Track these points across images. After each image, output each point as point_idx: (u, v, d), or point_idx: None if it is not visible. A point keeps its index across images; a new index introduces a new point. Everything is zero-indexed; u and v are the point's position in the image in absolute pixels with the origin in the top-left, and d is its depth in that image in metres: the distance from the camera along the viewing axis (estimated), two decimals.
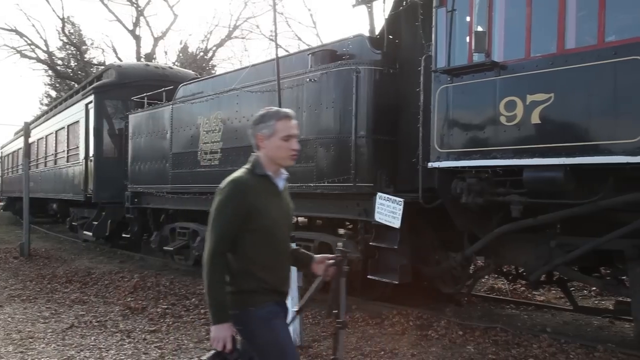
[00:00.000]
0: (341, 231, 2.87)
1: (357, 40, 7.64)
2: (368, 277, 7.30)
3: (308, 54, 8.07)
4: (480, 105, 5.88)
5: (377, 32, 8.09)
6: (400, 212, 6.61)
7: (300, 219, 9.37)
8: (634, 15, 4.82)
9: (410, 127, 6.96)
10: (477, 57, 5.88)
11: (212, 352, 2.62)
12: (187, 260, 10.86)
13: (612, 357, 5.27)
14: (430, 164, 6.33)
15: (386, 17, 7.60)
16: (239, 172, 2.73)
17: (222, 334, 2.58)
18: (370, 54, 7.36)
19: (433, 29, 6.33)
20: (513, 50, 5.65)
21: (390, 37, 7.55)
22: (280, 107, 6.10)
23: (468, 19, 6.01)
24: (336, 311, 2.94)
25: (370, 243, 7.19)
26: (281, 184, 2.79)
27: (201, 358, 2.88)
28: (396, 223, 6.65)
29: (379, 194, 6.88)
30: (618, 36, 5.00)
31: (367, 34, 7.94)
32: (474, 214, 6.37)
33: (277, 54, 6.24)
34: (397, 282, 6.96)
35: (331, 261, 2.88)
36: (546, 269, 6.06)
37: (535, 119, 5.40)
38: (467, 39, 5.98)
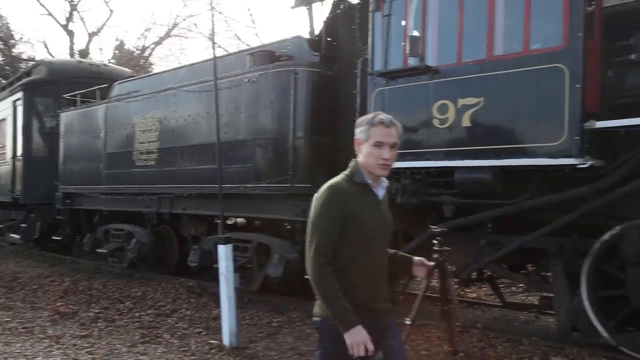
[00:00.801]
0: (435, 229, 2.82)
1: (295, 41, 7.69)
2: (305, 277, 7.32)
3: (246, 55, 8.05)
4: (415, 108, 6.04)
5: (317, 33, 8.16)
6: None
7: (239, 219, 9.33)
8: (556, 25, 5.07)
9: (347, 129, 7.04)
10: (411, 61, 6.03)
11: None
12: (122, 262, 10.59)
13: (536, 350, 5.52)
14: None
15: (324, 19, 7.68)
16: (337, 178, 2.58)
17: (357, 338, 2.40)
18: (308, 56, 7.43)
19: (369, 33, 6.45)
20: (446, 55, 5.83)
21: (329, 39, 7.63)
22: (217, 107, 6.12)
23: (403, 23, 6.15)
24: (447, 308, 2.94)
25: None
26: (381, 193, 2.61)
27: None
28: None
29: (316, 195, 6.93)
30: (542, 44, 5.25)
31: (307, 35, 8.03)
32: (409, 214, 6.53)
33: (214, 54, 6.20)
34: None
35: (431, 263, 2.74)
36: (476, 266, 6.28)
37: (466, 122, 5.60)
38: (402, 43, 6.12)
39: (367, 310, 2.50)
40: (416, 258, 2.80)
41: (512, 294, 8.72)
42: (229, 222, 9.33)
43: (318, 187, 7.64)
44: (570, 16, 4.97)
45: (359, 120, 2.60)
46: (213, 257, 6.38)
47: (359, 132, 2.56)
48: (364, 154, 2.55)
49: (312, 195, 7.07)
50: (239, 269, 7.58)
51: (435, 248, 2.81)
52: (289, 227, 8.00)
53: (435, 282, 2.85)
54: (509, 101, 5.35)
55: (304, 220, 7.29)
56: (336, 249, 2.49)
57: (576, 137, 4.95)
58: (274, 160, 7.42)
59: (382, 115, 2.56)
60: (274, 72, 7.39)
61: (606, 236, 5.25)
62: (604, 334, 5.19)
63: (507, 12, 5.42)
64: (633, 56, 5.03)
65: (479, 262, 6.18)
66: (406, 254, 2.87)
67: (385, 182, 2.64)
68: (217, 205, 6.22)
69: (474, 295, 8.72)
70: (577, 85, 4.94)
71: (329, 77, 7.38)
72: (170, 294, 8.34)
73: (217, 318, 6.27)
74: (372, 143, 2.51)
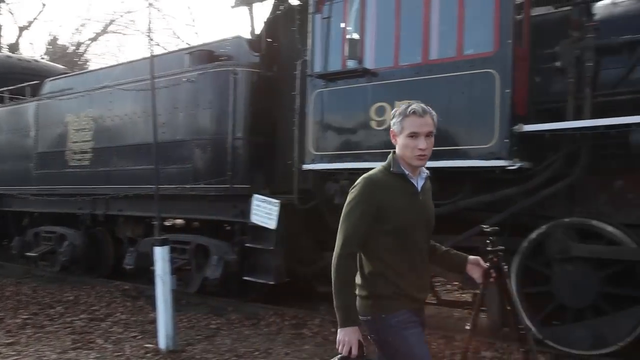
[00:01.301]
0: (486, 228, 2.76)
1: (235, 41, 7.65)
2: (244, 278, 7.32)
3: (185, 54, 7.94)
4: (353, 110, 6.12)
5: (257, 34, 8.13)
6: (277, 213, 6.71)
7: (178, 221, 9.18)
8: (487, 31, 5.26)
9: (287, 130, 7.07)
10: (350, 64, 6.11)
11: (338, 356, 2.45)
12: (53, 266, 10.19)
13: (468, 345, 5.68)
14: (305, 166, 6.49)
15: (265, 20, 7.67)
16: (374, 170, 2.58)
17: (347, 337, 2.43)
18: (248, 56, 7.40)
19: (309, 34, 6.49)
20: (383, 59, 5.94)
21: (269, 40, 7.63)
22: (154, 106, 6.00)
23: (342, 26, 6.22)
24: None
25: (247, 244, 7.21)
26: (420, 183, 2.59)
27: None
28: (272, 224, 6.73)
29: (255, 195, 6.94)
30: (475, 50, 5.44)
31: (247, 35, 7.97)
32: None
33: (151, 52, 6.07)
34: (273, 283, 7.04)
35: (487, 264, 2.69)
36: None
37: None
38: (341, 45, 6.19)
39: (410, 298, 2.55)
40: (471, 257, 2.75)
41: (447, 291, 8.95)
42: (167, 223, 9.17)
43: (257, 188, 7.71)
44: (501, 24, 5.16)
45: (393, 111, 2.58)
46: (150, 260, 6.25)
47: (394, 124, 2.55)
48: (400, 145, 2.54)
49: (251, 196, 7.10)
50: (177, 270, 7.47)
51: (489, 248, 2.68)
52: (228, 228, 7.93)
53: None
54: (444, 104, 5.48)
55: (243, 221, 7.27)
56: (374, 240, 2.51)
57: (506, 140, 5.14)
58: (213, 160, 7.35)
59: (415, 105, 2.53)
60: (213, 72, 7.32)
61: (533, 235, 5.48)
62: (531, 328, 5.41)
63: (441, 18, 5.57)
64: (558, 63, 5.28)
65: None
66: (460, 252, 2.80)
67: (425, 173, 2.63)
68: (154, 206, 6.10)
69: None
70: (507, 90, 5.13)
71: (268, 77, 7.39)
72: (104, 297, 8.11)
73: (154, 321, 6.15)
74: (406, 134, 2.50)
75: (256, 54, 7.40)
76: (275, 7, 7.47)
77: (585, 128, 4.90)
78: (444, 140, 5.50)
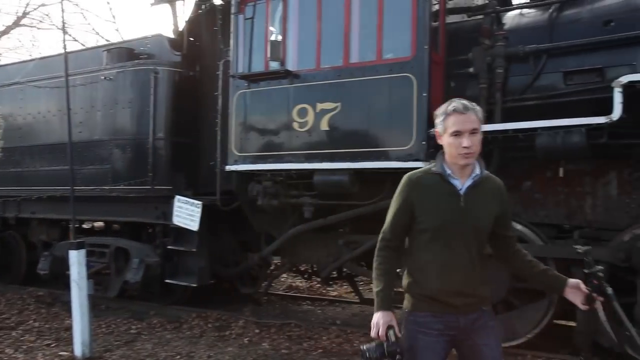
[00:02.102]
0: (580, 248, 2.57)
1: (156, 40, 7.49)
2: (166, 281, 7.18)
3: (103, 51, 7.69)
4: (275, 111, 6.14)
5: (179, 33, 8.00)
6: (199, 215, 6.64)
7: (97, 223, 8.88)
8: (405, 37, 5.43)
9: (210, 131, 7.01)
10: (272, 65, 6.14)
11: (377, 341, 2.45)
12: None
13: None
14: (227, 167, 6.45)
15: (186, 19, 7.56)
16: (421, 168, 2.59)
17: (376, 320, 2.46)
18: (169, 55, 7.27)
19: (231, 35, 6.46)
20: (305, 61, 6.00)
21: (191, 39, 7.53)
22: (68, 104, 5.78)
23: (265, 27, 6.23)
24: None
25: (169, 247, 7.09)
26: (466, 184, 2.47)
27: (364, 346, 2.46)
28: (194, 226, 6.66)
29: (177, 196, 6.84)
30: (393, 54, 5.60)
31: (169, 34, 7.84)
32: (270, 216, 6.64)
33: (65, 47, 5.84)
34: (196, 285, 6.96)
35: (588, 289, 2.49)
36: (335, 265, 6.52)
37: (324, 126, 5.81)
38: (264, 47, 6.20)
39: (434, 300, 2.48)
40: (571, 281, 2.55)
41: (370, 290, 9.14)
42: (85, 226, 8.86)
43: (179, 189, 7.60)
44: (417, 30, 5.34)
45: (436, 112, 2.51)
46: (66, 264, 6.02)
47: (437, 125, 2.48)
48: (445, 145, 2.47)
49: (173, 198, 6.98)
50: (95, 275, 7.25)
51: (586, 270, 2.52)
52: (150, 230, 7.76)
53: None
54: (364, 107, 5.63)
55: (165, 223, 7.14)
56: (412, 238, 2.53)
57: (423, 142, 5.32)
58: (133, 161, 7.18)
59: (456, 102, 2.44)
60: (133, 71, 7.15)
61: None
62: None
63: (362, 23, 5.69)
64: (471, 69, 5.52)
65: (338, 261, 6.42)
66: (560, 275, 2.62)
67: (476, 173, 2.49)
68: (70, 208, 5.88)
69: (335, 293, 9.04)
70: (424, 94, 5.31)
71: (191, 77, 7.30)
72: (16, 305, 7.72)
73: (70, 328, 5.91)
74: (450, 133, 2.42)
75: (178, 53, 7.28)
76: (197, 6, 7.37)
77: (496, 131, 5.14)
78: (364, 142, 5.65)
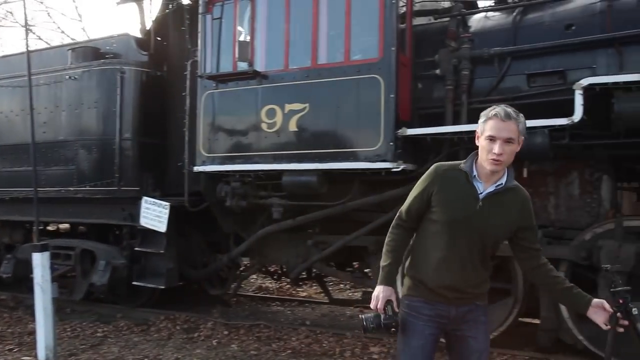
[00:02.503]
0: (607, 267, 2.51)
1: (122, 39, 7.40)
2: (133, 283, 7.09)
3: (68, 50, 7.56)
4: (244, 112, 6.13)
5: (146, 32, 7.91)
6: (167, 216, 6.58)
7: (62, 225, 8.72)
8: (373, 38, 5.47)
9: (178, 131, 6.96)
10: (241, 66, 6.11)
11: (375, 313, 2.58)
12: None
13: (358, 342, 5.88)
14: (196, 168, 6.41)
15: (154, 18, 7.49)
16: (454, 161, 2.62)
17: (376, 293, 2.57)
18: (136, 55, 7.20)
19: (199, 35, 6.42)
20: (274, 62, 5.99)
21: (159, 39, 7.45)
22: (31, 103, 5.67)
23: (233, 28, 6.21)
24: None
25: (136, 248, 7.00)
26: (488, 189, 2.48)
27: (362, 315, 2.59)
28: (162, 227, 6.59)
29: (145, 198, 6.77)
30: (361, 56, 5.63)
31: (137, 33, 7.73)
32: (239, 217, 6.62)
33: (27, 45, 5.73)
34: (163, 287, 6.90)
35: (612, 309, 2.47)
36: (304, 266, 6.53)
37: (292, 126, 5.81)
38: (232, 47, 6.18)
39: (428, 288, 2.56)
40: (596, 300, 2.53)
41: (340, 290, 9.19)
42: (50, 228, 8.69)
43: (147, 190, 7.53)
44: (385, 32, 5.38)
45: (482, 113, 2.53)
46: (29, 267, 5.89)
47: (479, 125, 2.49)
48: (480, 147, 2.47)
49: (140, 199, 6.92)
50: (60, 277, 7.13)
51: (612, 289, 2.47)
52: (117, 232, 7.65)
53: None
54: (332, 108, 5.65)
55: (132, 224, 7.06)
56: (424, 224, 2.59)
57: (391, 143, 5.37)
58: (99, 162, 7.09)
59: (499, 108, 2.44)
60: (99, 70, 7.06)
61: None
62: None
63: (330, 24, 5.71)
64: (437, 71, 5.59)
65: (307, 262, 6.43)
66: (585, 294, 2.58)
67: (500, 182, 2.49)
68: (33, 210, 5.76)
69: (304, 293, 9.05)
70: (392, 95, 5.36)
71: (158, 77, 7.23)
72: None
73: (33, 332, 5.80)
74: (485, 136, 2.43)
75: (145, 52, 7.20)
76: (165, 5, 7.30)
77: (462, 132, 5.21)
78: (332, 143, 5.67)
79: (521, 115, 2.48)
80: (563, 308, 5.05)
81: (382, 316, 2.53)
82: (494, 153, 2.38)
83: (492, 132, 2.40)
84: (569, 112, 4.74)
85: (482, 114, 2.50)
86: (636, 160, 5.15)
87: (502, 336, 5.41)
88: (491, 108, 2.47)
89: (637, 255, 4.67)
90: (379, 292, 2.57)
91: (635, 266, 4.66)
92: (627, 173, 5.48)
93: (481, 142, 2.46)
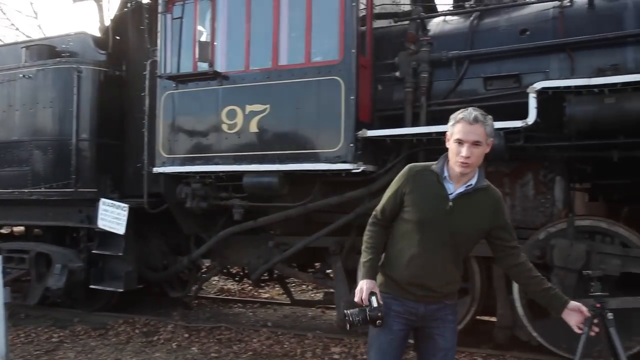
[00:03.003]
0: (587, 273, 2.56)
1: (79, 37, 7.26)
2: (91, 287, 6.96)
3: (22, 47, 7.37)
4: (204, 113, 6.08)
5: (104, 31, 7.76)
6: (125, 218, 6.48)
7: (17, 228, 8.48)
8: (333, 40, 5.50)
9: (137, 132, 6.86)
10: (201, 66, 6.07)
11: (360, 307, 2.59)
12: None
13: (319, 342, 5.91)
14: (155, 169, 6.33)
15: (112, 16, 7.36)
16: (427, 162, 2.65)
17: (361, 287, 2.57)
18: (94, 54, 7.08)
19: (159, 35, 6.35)
20: (234, 62, 5.98)
21: (117, 37, 7.33)
22: None
23: (193, 28, 6.15)
24: None
25: (94, 251, 6.87)
26: (458, 190, 2.53)
27: (347, 310, 2.57)
28: (121, 229, 6.49)
29: (103, 199, 6.65)
30: (322, 57, 5.66)
31: (95, 31, 7.60)
32: (200, 218, 6.56)
33: None
34: (122, 290, 6.79)
35: (589, 313, 2.54)
36: (265, 267, 6.51)
37: (253, 128, 5.80)
38: (192, 47, 6.12)
39: (398, 285, 2.61)
40: (572, 303, 2.58)
41: (302, 291, 9.20)
42: (4, 231, 8.44)
43: (105, 191, 7.40)
44: (345, 34, 5.42)
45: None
46: None
47: (448, 128, 2.53)
48: (449, 149, 2.52)
49: (98, 201, 6.79)
50: (14, 282, 6.94)
51: (591, 293, 2.55)
52: (74, 234, 7.49)
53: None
54: (293, 109, 5.66)
55: (89, 226, 6.93)
56: (397, 223, 2.64)
57: (351, 145, 5.41)
58: (55, 163, 6.94)
59: (467, 112, 2.49)
60: (55, 69, 6.92)
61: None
62: None
63: (291, 26, 5.73)
64: (397, 74, 5.65)
65: (268, 263, 6.42)
66: (562, 296, 2.63)
67: (470, 183, 2.54)
68: None
69: (267, 295, 9.03)
70: (352, 97, 5.41)
71: (117, 77, 7.13)
72: None
73: None
74: (454, 139, 2.48)
75: (103, 51, 7.08)
76: (123, 4, 7.20)
77: (421, 134, 5.29)
78: (293, 144, 5.68)
79: (489, 117, 2.53)
80: (518, 306, 5.18)
81: (367, 308, 2.54)
82: (462, 156, 2.44)
83: (460, 136, 2.45)
84: (524, 115, 4.87)
85: (451, 117, 2.54)
86: (587, 161, 5.33)
87: (460, 334, 5.48)
88: (460, 111, 2.52)
89: (587, 254, 4.82)
90: (363, 285, 2.59)
91: (585, 264, 4.81)
92: (579, 174, 5.65)
93: (450, 144, 2.51)
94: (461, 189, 2.54)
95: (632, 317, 4.77)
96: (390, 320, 2.60)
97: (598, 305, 2.60)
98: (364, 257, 2.67)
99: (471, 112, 2.49)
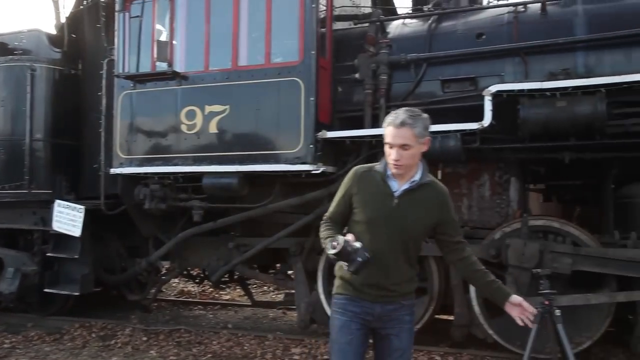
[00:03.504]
0: (536, 271, 2.53)
1: (33, 35, 7.09)
2: (46, 290, 6.78)
3: None
4: (163, 113, 6.02)
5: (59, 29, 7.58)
6: (81, 220, 6.36)
7: None
8: (293, 42, 5.51)
9: (94, 132, 6.73)
10: (160, 66, 5.99)
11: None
12: None
13: (279, 343, 5.90)
14: (112, 170, 6.23)
15: (67, 14, 7.21)
16: (373, 163, 2.67)
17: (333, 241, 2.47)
18: (48, 52, 6.94)
19: (116, 33, 6.24)
20: (194, 63, 5.93)
21: (73, 35, 7.17)
22: None
23: (151, 27, 6.07)
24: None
25: (48, 254, 6.71)
26: (403, 187, 2.55)
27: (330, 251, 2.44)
28: (76, 232, 6.37)
29: (58, 201, 6.51)
30: (282, 59, 5.66)
31: (51, 29, 7.42)
32: (159, 219, 6.48)
33: None
34: (78, 294, 6.64)
35: (530, 309, 2.57)
36: (225, 269, 6.46)
37: (213, 128, 5.76)
38: (151, 47, 6.04)
39: (353, 287, 2.61)
40: (514, 297, 2.63)
41: (263, 293, 9.18)
42: None
43: (60, 193, 7.25)
44: (305, 35, 5.45)
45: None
46: None
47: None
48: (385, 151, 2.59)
49: (52, 202, 6.65)
50: None
51: (540, 291, 2.63)
52: (28, 237, 7.29)
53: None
54: (253, 110, 5.65)
55: (44, 229, 6.77)
56: (350, 227, 2.64)
57: (311, 146, 5.43)
58: (8, 164, 6.78)
59: (395, 116, 2.52)
60: (6, 67, 6.76)
61: None
62: None
63: (250, 26, 5.72)
64: (357, 75, 5.70)
65: (228, 264, 6.38)
66: (504, 289, 2.69)
67: (414, 179, 2.57)
68: None
69: (228, 296, 8.97)
70: (311, 98, 5.43)
71: (72, 75, 6.99)
72: None
73: None
74: (385, 142, 2.54)
75: (58, 50, 6.94)
76: (79, 1, 7.04)
77: (380, 135, 5.31)
78: (253, 145, 5.67)
79: (420, 119, 2.54)
80: (475, 305, 5.28)
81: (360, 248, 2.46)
82: (392, 159, 2.52)
83: (388, 140, 2.52)
84: (480, 117, 4.97)
85: (384, 120, 2.59)
86: (541, 163, 5.47)
87: (419, 333, 5.58)
88: (391, 114, 2.57)
89: (540, 253, 4.95)
90: (334, 241, 2.49)
91: (538, 263, 4.94)
92: (533, 175, 5.80)
93: (385, 147, 2.57)
94: (406, 186, 2.58)
95: (583, 314, 4.93)
96: (347, 320, 2.62)
97: (546, 302, 2.70)
98: (324, 240, 2.59)
99: (399, 115, 2.53)
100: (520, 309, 2.61)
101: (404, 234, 2.57)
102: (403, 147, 2.49)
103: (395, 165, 2.52)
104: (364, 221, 2.58)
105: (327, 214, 2.73)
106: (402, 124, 2.49)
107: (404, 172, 2.56)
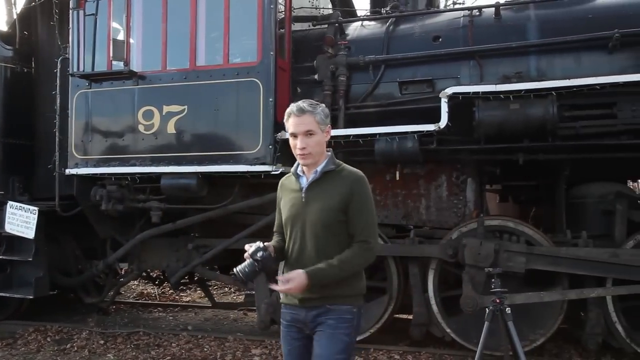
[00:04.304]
0: (488, 270, 2.47)
1: None
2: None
3: None
4: (120, 113, 5.92)
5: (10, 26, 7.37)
6: (35, 221, 6.21)
7: None
8: (252, 42, 5.49)
9: (47, 131, 6.57)
10: (116, 65, 5.89)
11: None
12: None
13: (240, 345, 5.88)
14: (68, 171, 6.10)
15: (18, 11, 7.01)
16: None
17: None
18: (0, 50, 6.70)
19: (71, 31, 6.11)
20: (151, 62, 5.85)
21: (26, 33, 6.99)
22: None
23: (107, 25, 5.96)
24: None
25: (0, 257, 6.52)
26: (311, 178, 2.55)
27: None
28: (30, 233, 6.22)
29: (10, 202, 6.34)
30: (241, 59, 5.63)
31: (4, 26, 7.23)
32: (116, 221, 6.38)
33: None
34: (32, 297, 6.48)
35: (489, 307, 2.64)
36: (185, 270, 6.39)
37: (171, 129, 5.70)
38: (106, 45, 5.93)
39: (286, 294, 2.56)
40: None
41: (224, 294, 9.12)
42: None
43: (13, 194, 7.04)
44: (263, 36, 5.43)
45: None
46: None
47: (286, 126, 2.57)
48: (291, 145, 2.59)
49: (5, 204, 6.47)
50: None
51: (492, 290, 2.65)
52: None
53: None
54: (212, 110, 5.61)
55: None
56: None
57: (270, 146, 5.42)
58: None
59: (295, 105, 2.51)
60: None
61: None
62: None
63: (209, 26, 5.67)
64: (316, 76, 5.71)
65: (188, 266, 6.31)
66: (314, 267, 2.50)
67: (319, 167, 2.53)
68: None
69: (188, 298, 8.88)
70: (270, 99, 5.42)
71: (25, 74, 6.82)
72: None
73: None
74: (289, 135, 2.55)
75: (9, 47, 6.74)
76: None
77: (339, 136, 5.36)
78: (212, 146, 5.63)
79: (319, 106, 2.54)
80: (433, 304, 5.36)
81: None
82: (298, 148, 2.50)
83: (292, 129, 2.51)
84: (437, 119, 5.04)
85: (285, 114, 2.57)
86: (496, 164, 5.58)
87: (379, 333, 5.64)
88: (291, 105, 2.54)
89: (495, 252, 5.05)
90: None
91: (494, 262, 5.04)
92: (489, 176, 5.91)
93: (290, 141, 2.56)
94: (310, 178, 2.56)
95: (537, 311, 5.06)
96: (285, 330, 2.61)
97: (497, 301, 2.74)
98: None
99: (299, 104, 2.52)
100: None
101: (314, 227, 2.50)
102: (307, 134, 2.48)
103: (302, 155, 2.50)
104: (285, 224, 2.61)
105: (274, 229, 2.76)
106: (303, 111, 2.49)
107: (312, 162, 2.53)
